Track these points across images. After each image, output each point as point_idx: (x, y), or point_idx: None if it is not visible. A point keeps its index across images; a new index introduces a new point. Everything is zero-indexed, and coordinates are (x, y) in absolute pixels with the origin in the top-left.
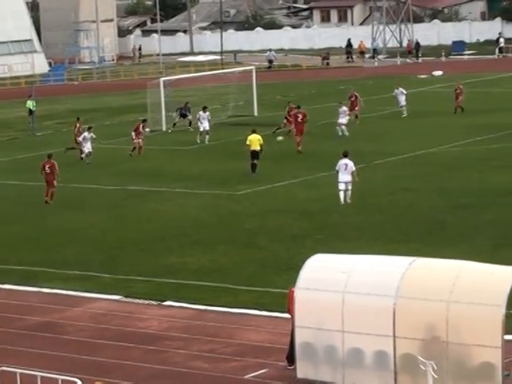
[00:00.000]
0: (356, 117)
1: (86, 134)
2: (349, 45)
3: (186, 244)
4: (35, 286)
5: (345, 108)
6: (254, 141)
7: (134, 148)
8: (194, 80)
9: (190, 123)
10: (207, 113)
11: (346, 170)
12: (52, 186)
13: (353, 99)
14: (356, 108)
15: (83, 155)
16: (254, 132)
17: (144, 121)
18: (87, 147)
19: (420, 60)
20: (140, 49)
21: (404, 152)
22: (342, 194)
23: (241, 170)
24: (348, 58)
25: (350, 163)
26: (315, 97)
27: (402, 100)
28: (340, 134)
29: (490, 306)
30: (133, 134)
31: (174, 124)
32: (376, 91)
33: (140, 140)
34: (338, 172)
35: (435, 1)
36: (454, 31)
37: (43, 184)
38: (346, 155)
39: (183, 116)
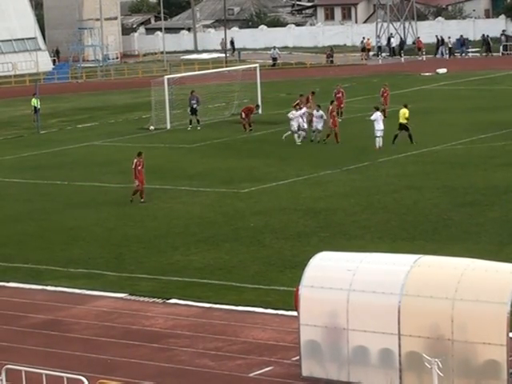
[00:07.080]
0: (341, 114)
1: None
2: (402, 42)
3: (191, 242)
4: (40, 284)
5: (321, 112)
6: (400, 115)
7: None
8: (199, 78)
9: (199, 121)
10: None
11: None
12: (143, 183)
13: (339, 95)
14: (342, 105)
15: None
16: (405, 107)
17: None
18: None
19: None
20: (233, 42)
21: (408, 150)
22: (377, 141)
23: (245, 167)
24: (401, 54)
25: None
26: (319, 94)
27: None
28: (312, 138)
29: (495, 304)
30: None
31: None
32: (380, 89)
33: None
34: (374, 122)
35: None
36: (458, 29)
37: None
38: (378, 109)
39: (193, 112)
